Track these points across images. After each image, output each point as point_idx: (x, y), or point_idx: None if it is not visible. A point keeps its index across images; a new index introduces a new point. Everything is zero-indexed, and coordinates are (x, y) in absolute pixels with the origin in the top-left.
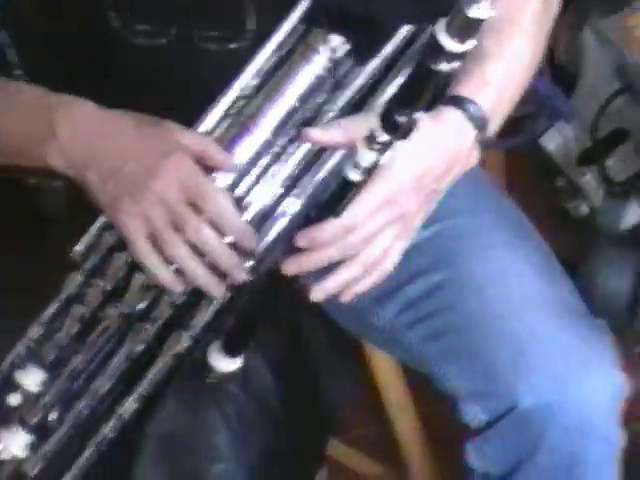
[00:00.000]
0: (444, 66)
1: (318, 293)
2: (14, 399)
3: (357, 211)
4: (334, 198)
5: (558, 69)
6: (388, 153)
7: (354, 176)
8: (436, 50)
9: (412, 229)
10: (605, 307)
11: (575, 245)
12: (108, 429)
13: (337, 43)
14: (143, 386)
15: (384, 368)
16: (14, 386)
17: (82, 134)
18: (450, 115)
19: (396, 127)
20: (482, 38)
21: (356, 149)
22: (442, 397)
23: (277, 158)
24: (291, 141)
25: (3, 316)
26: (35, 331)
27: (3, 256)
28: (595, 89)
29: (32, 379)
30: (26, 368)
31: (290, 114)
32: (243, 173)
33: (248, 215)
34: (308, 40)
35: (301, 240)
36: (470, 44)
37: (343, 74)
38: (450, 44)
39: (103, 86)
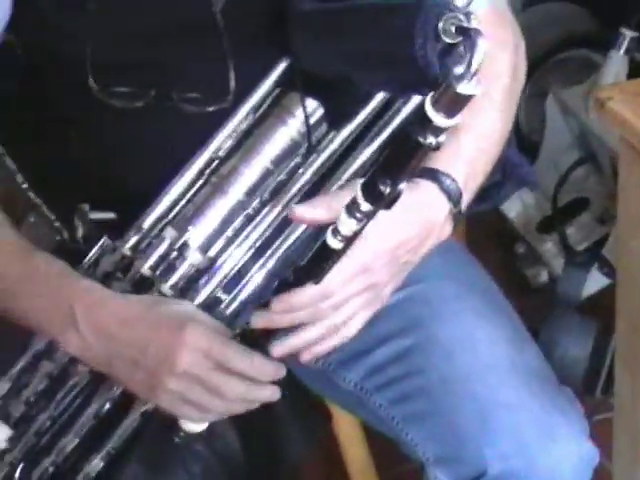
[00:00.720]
0: (431, 139)
1: (278, 349)
2: None
3: (333, 279)
4: (312, 263)
5: (520, 138)
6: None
7: (334, 243)
8: (423, 123)
9: (381, 299)
10: (564, 375)
11: (535, 313)
12: None
13: (312, 107)
14: (110, 444)
15: (347, 428)
16: None
17: (103, 328)
18: (426, 188)
19: (379, 197)
20: None
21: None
22: (404, 461)
23: (250, 220)
24: (264, 204)
25: None
26: (3, 387)
27: None
28: (556, 158)
29: None
30: None
31: (264, 176)
32: (216, 234)
33: (220, 275)
34: (284, 103)
35: (277, 305)
36: (457, 119)
37: (317, 138)
38: (438, 119)
39: (81, 148)
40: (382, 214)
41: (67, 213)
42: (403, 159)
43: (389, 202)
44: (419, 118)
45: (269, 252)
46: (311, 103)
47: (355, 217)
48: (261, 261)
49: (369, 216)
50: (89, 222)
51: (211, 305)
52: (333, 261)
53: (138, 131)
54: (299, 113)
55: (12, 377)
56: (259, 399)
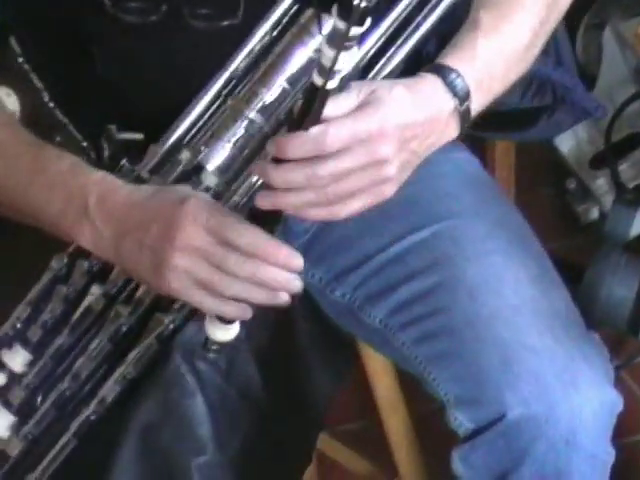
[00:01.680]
0: None
1: (265, 200)
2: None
3: (333, 133)
4: (302, 108)
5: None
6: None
7: (318, 80)
8: None
9: (384, 191)
10: (608, 315)
11: (584, 250)
12: (89, 411)
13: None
14: (125, 369)
15: (376, 363)
16: (0, 365)
17: (112, 214)
18: (430, 81)
19: (351, 10)
20: (480, 10)
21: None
22: (432, 399)
23: (265, 140)
24: (281, 123)
25: None
26: (22, 311)
27: None
28: (612, 91)
29: (18, 360)
30: (12, 348)
31: (281, 97)
32: (233, 156)
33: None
34: (302, 22)
35: (270, 146)
36: None
37: None
38: None
39: (94, 66)
40: (391, 93)
41: (94, 134)
42: None
43: (360, 17)
44: None
45: None
46: (330, 21)
47: (333, 45)
48: None
49: (343, 39)
50: (116, 142)
51: None
52: (321, 101)
53: (153, 50)
54: (318, 32)
55: (31, 301)
56: (275, 281)
